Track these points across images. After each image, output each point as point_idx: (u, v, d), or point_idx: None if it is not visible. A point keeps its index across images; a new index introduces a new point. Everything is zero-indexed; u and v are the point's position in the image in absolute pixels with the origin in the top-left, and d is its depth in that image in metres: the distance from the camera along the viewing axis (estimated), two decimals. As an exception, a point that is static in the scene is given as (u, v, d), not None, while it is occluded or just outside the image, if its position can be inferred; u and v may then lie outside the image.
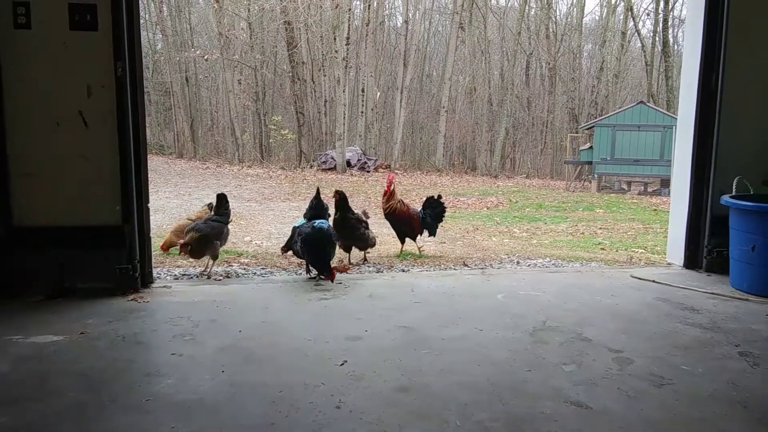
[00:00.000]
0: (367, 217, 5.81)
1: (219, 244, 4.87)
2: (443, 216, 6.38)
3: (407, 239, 6.18)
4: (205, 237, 4.69)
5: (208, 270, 4.88)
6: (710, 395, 2.71)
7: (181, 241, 4.65)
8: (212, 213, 5.11)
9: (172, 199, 11.87)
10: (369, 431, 2.31)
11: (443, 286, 4.54)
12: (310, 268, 4.74)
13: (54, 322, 3.51)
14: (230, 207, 5.37)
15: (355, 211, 5.66)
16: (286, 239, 5.82)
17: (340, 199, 5.46)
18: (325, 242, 4.60)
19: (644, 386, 2.78)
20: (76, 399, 2.56)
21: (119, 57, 3.97)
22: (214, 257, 4.87)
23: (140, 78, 4.13)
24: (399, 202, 6.21)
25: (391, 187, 6.26)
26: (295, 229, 5.11)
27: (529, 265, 5.77)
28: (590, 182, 20.70)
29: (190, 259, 4.88)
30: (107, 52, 3.96)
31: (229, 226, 5.06)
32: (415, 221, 6.16)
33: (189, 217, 5.25)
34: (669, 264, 5.35)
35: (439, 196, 6.44)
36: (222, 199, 5.08)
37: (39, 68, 3.94)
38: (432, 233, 6.27)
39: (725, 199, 4.56)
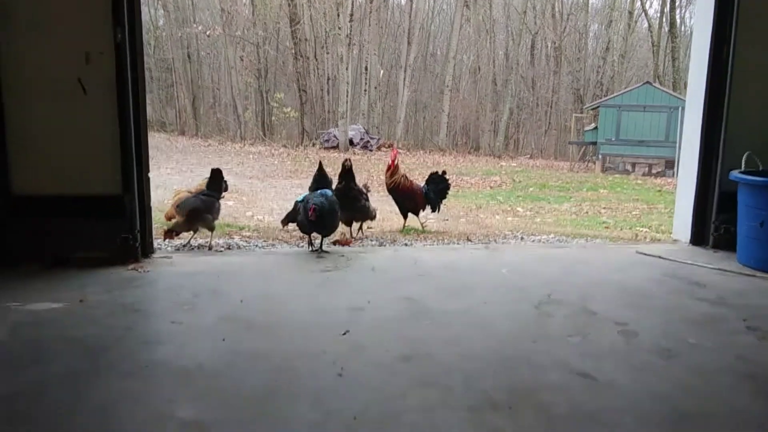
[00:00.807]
0: (368, 191, 5.77)
1: (211, 218, 4.81)
2: (447, 192, 6.34)
3: (410, 215, 6.13)
4: (196, 210, 4.62)
5: (210, 241, 4.85)
6: (718, 368, 2.67)
7: (175, 215, 4.60)
8: (196, 191, 5.02)
9: (174, 176, 11.81)
10: (371, 399, 2.27)
11: (447, 260, 4.49)
12: (313, 241, 4.69)
13: (53, 290, 3.48)
14: (227, 183, 5.32)
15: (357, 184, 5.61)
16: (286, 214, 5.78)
17: (348, 168, 5.40)
18: (333, 208, 4.58)
19: (651, 359, 2.74)
20: (74, 365, 2.52)
21: (119, 23, 3.89)
22: (211, 229, 4.83)
23: (140, 44, 4.05)
24: (403, 176, 6.15)
25: (395, 162, 6.20)
26: (297, 203, 5.05)
27: (533, 241, 5.72)
28: (594, 163, 20.59)
29: (183, 234, 4.83)
30: (106, 17, 3.87)
31: (231, 202, 5.00)
32: (419, 196, 6.11)
33: (189, 189, 5.19)
34: (675, 240, 5.30)
35: (444, 173, 6.38)
36: (217, 174, 4.99)
37: (36, 35, 3.85)
38: (434, 209, 6.23)
39: (734, 174, 4.49)
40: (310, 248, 4.70)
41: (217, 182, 4.97)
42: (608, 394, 2.39)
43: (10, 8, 3.81)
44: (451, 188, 6.57)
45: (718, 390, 2.47)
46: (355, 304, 3.36)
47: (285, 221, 5.40)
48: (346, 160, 5.57)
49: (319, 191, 4.69)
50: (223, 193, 5.36)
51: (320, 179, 5.06)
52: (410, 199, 6.10)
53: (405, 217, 6.12)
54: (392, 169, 6.14)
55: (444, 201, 6.39)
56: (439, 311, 3.29)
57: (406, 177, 6.21)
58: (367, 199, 5.52)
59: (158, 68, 28.66)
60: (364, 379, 2.44)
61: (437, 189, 6.22)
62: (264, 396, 2.29)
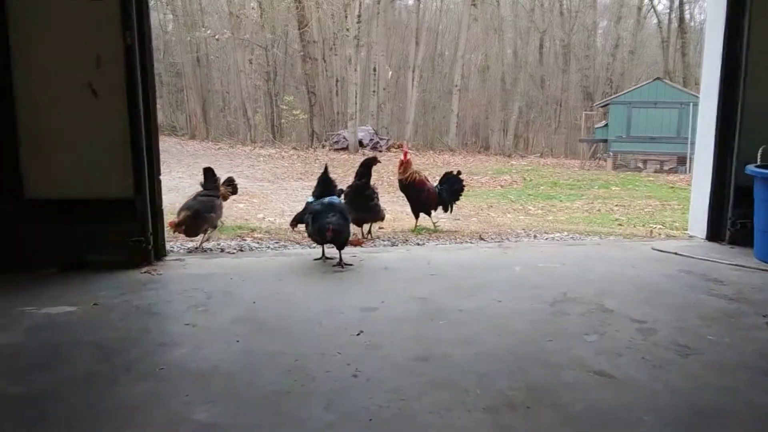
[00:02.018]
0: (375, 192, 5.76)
1: (215, 217, 4.82)
2: (460, 194, 6.29)
3: (422, 214, 6.10)
4: (197, 213, 4.62)
5: (207, 237, 4.89)
6: (737, 365, 2.63)
7: (175, 220, 4.57)
8: (201, 189, 5.01)
9: (185, 179, 11.84)
10: (387, 400, 2.26)
11: (460, 259, 4.47)
12: (326, 252, 4.41)
13: (67, 293, 3.49)
14: (236, 185, 5.38)
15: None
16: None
17: (369, 165, 5.35)
18: (346, 218, 4.36)
19: (669, 356, 2.70)
20: (90, 368, 2.52)
21: (128, 26, 3.90)
22: (214, 227, 4.84)
23: (149, 47, 4.06)
24: (416, 172, 6.12)
25: (408, 156, 6.18)
26: (308, 204, 5.01)
27: (546, 238, 5.68)
28: (605, 160, 20.48)
29: (188, 238, 4.82)
30: (116, 21, 3.88)
31: (242, 204, 5.00)
32: (432, 193, 6.08)
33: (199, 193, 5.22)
34: (691, 237, 5.24)
35: (459, 173, 6.33)
36: (209, 172, 5.00)
37: (48, 39, 3.87)
38: (447, 209, 6.19)
39: (750, 168, 4.43)
40: (324, 259, 4.36)
41: (211, 180, 4.98)
42: (626, 392, 2.36)
43: (22, 13, 3.82)
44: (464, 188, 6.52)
45: (737, 387, 2.43)
46: (369, 304, 3.34)
47: (294, 223, 5.39)
48: (373, 157, 5.52)
49: (327, 200, 4.38)
50: (231, 197, 5.37)
51: (325, 183, 4.79)
52: (424, 194, 6.04)
53: (416, 216, 6.10)
54: (405, 164, 6.11)
55: (456, 202, 6.34)
56: (454, 311, 3.26)
57: (419, 173, 6.18)
58: (378, 199, 5.50)
59: (168, 73, 28.81)
60: (380, 379, 2.42)
61: (451, 189, 6.19)
62: (279, 397, 2.27)
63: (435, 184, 6.27)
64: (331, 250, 4.35)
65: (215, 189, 4.98)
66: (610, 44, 30.83)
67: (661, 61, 29.79)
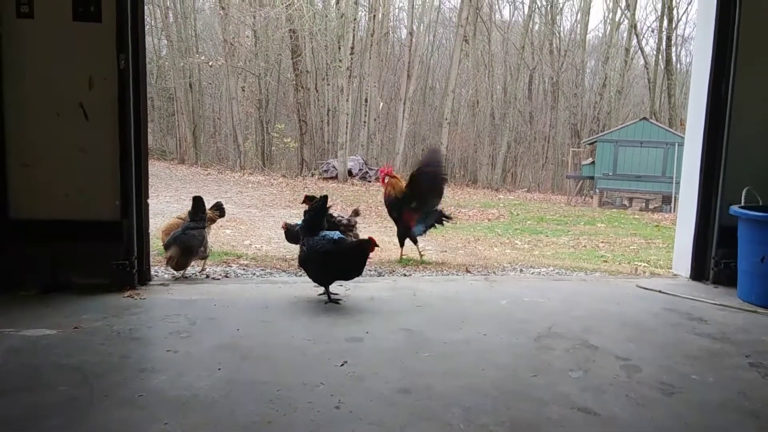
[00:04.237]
0: (357, 215, 5.72)
1: (204, 250, 4.72)
2: (441, 222, 6.25)
3: (406, 242, 6.08)
4: (188, 250, 4.52)
5: (202, 268, 4.82)
6: (721, 404, 2.62)
7: (168, 254, 4.47)
8: (188, 219, 4.88)
9: (173, 204, 11.79)
10: (370, 432, 2.22)
11: (446, 291, 4.45)
12: (330, 292, 4.06)
13: (48, 316, 3.43)
14: (224, 209, 5.28)
15: (336, 214, 5.42)
16: (286, 244, 5.74)
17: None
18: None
19: (653, 394, 2.69)
20: (68, 392, 2.47)
21: (122, 49, 3.91)
22: (204, 258, 4.78)
23: (143, 71, 4.08)
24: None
25: (392, 171, 6.22)
26: (301, 230, 4.79)
27: (532, 273, 5.69)
28: (592, 197, 20.68)
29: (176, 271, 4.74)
30: (110, 44, 3.90)
31: (229, 230, 4.94)
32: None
33: (180, 215, 5.17)
34: (675, 275, 5.27)
35: (448, 218, 6.28)
36: (198, 202, 4.80)
37: (40, 59, 3.88)
38: (425, 229, 6.10)
39: (734, 209, 4.48)
40: (327, 299, 4.04)
41: (200, 210, 4.86)
42: (611, 430, 2.34)
43: (17, 31, 3.83)
44: (448, 220, 6.45)
45: (721, 427, 2.42)
46: (354, 335, 3.31)
47: (286, 226, 5.34)
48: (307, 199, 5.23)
49: (335, 236, 4.05)
50: (218, 220, 5.32)
51: (315, 218, 4.22)
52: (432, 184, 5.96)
53: (402, 244, 6.08)
54: (391, 179, 6.09)
55: (435, 229, 6.25)
56: (439, 343, 3.24)
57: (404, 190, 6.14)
58: (353, 228, 5.42)
59: (160, 97, 28.93)
60: (363, 411, 2.39)
61: (431, 220, 6.15)
62: (259, 427, 2.24)
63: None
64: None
65: (203, 220, 4.85)
66: (597, 83, 31.37)
67: (647, 101, 30.33)
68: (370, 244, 3.90)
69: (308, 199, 5.17)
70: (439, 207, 6.19)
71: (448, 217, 6.29)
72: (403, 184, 6.12)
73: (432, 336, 3.35)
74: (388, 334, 3.36)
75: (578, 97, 30.78)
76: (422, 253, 6.17)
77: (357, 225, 5.63)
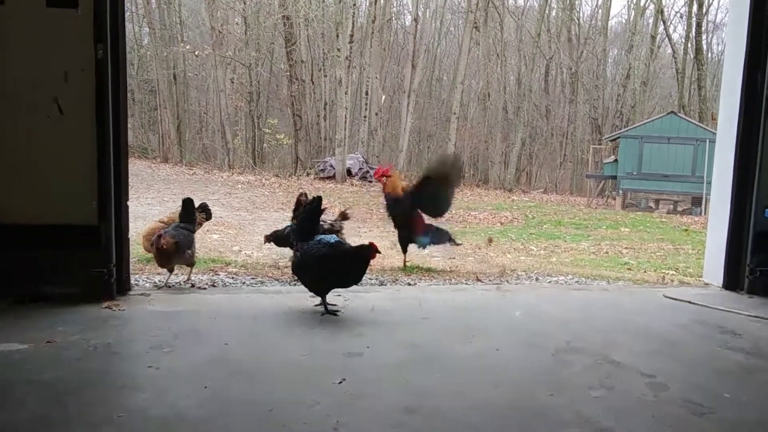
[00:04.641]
0: (345, 218, 5.72)
1: (191, 253, 4.76)
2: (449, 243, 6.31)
3: (409, 251, 6.09)
4: (177, 244, 4.56)
5: (188, 278, 4.83)
6: (756, 425, 2.62)
7: (165, 240, 4.50)
8: (170, 220, 4.96)
9: (155, 206, 11.82)
10: (370, 455, 2.23)
11: (454, 301, 4.46)
12: (327, 303, 4.05)
13: (20, 329, 3.44)
14: (211, 212, 5.36)
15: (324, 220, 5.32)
16: (279, 250, 5.76)
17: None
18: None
19: (682, 414, 2.69)
20: (42, 412, 2.47)
21: (100, 38, 3.93)
22: (191, 264, 4.80)
23: (123, 62, 4.09)
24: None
25: (389, 171, 6.24)
26: (292, 230, 4.83)
27: (549, 281, 5.70)
28: (614, 199, 20.69)
29: (160, 269, 4.78)
30: (87, 32, 3.91)
31: (216, 235, 4.96)
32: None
33: (162, 219, 5.20)
34: (706, 284, 5.27)
35: (455, 243, 6.38)
36: (189, 204, 4.91)
37: (11, 49, 3.88)
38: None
39: (770, 211, 4.48)
40: (324, 310, 4.01)
41: (190, 213, 4.91)
42: (635, 454, 2.34)
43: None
44: (458, 225, 6.54)
45: (758, 450, 2.42)
46: (353, 349, 3.32)
47: (269, 238, 5.36)
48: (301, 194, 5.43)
49: (331, 239, 4.05)
50: (204, 223, 5.35)
51: (309, 220, 4.23)
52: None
53: (405, 250, 6.08)
54: (389, 179, 6.10)
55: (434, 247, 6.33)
56: (447, 358, 3.25)
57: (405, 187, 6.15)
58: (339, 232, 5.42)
59: (141, 90, 29.01)
60: (363, 432, 2.40)
61: (439, 239, 6.18)
62: (251, 450, 2.24)
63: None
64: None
65: (192, 223, 4.93)
66: (620, 74, 31.43)
67: (675, 93, 30.38)
68: (371, 251, 3.91)
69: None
70: (446, 227, 6.23)
71: (456, 243, 6.34)
72: (401, 183, 6.13)
73: (439, 350, 3.36)
74: (391, 348, 3.37)
75: (599, 89, 30.83)
76: (407, 261, 6.15)
77: (342, 230, 5.56)
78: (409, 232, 6.05)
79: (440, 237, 6.16)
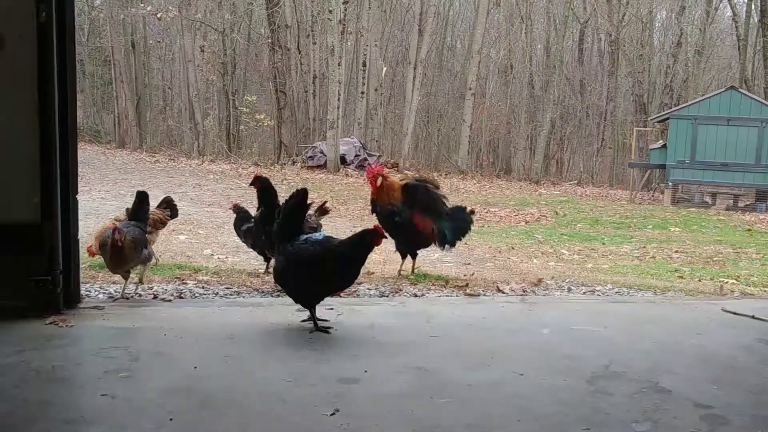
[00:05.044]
0: (324, 213, 5.73)
1: (148, 254, 4.79)
2: (463, 235, 6.31)
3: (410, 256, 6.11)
4: (135, 241, 4.57)
5: (140, 278, 4.89)
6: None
7: (118, 237, 4.49)
8: (126, 219, 4.92)
9: (109, 200, 11.85)
10: (369, 503, 2.23)
11: (470, 317, 4.46)
12: (316, 317, 4.07)
13: (-55, 349, 3.44)
14: (177, 209, 5.40)
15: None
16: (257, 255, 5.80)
17: (263, 188, 5.29)
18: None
19: (745, 454, 2.69)
20: (-30, 451, 2.48)
21: (43, -2, 3.93)
22: (145, 262, 4.83)
23: (71, 26, 4.09)
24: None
25: (384, 170, 6.22)
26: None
27: (584, 292, 5.71)
28: (662, 192, 20.70)
29: (113, 274, 4.80)
30: (27, -9, 3.91)
31: (183, 236, 4.96)
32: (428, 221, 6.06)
33: (117, 217, 5.21)
34: (773, 296, 5.27)
35: (472, 212, 6.32)
36: (144, 199, 4.92)
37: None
38: (443, 245, 6.16)
39: None
40: (314, 326, 4.02)
41: (144, 210, 4.90)
42: (688, 502, 2.34)
43: None
44: (475, 223, 6.52)
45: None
46: (348, 375, 3.32)
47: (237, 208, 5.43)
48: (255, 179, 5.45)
49: (314, 238, 4.05)
50: (168, 222, 5.36)
51: (292, 217, 4.20)
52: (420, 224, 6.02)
53: (404, 256, 6.07)
54: (384, 182, 6.07)
55: (462, 240, 6.37)
56: (460, 386, 3.25)
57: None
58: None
59: (93, 60, 29.05)
60: (360, 475, 2.40)
61: (455, 227, 6.18)
62: (224, 497, 2.24)
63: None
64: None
65: (145, 221, 4.93)
66: (670, 41, 31.41)
67: (736, 64, 30.32)
68: (375, 236, 3.92)
69: (258, 182, 5.30)
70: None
71: (472, 214, 6.34)
72: (398, 186, 6.10)
73: (452, 377, 3.35)
74: (394, 373, 3.36)
75: (645, 59, 30.81)
76: (416, 268, 6.16)
77: (320, 228, 5.49)
78: (422, 239, 6.06)
79: (459, 218, 6.20)
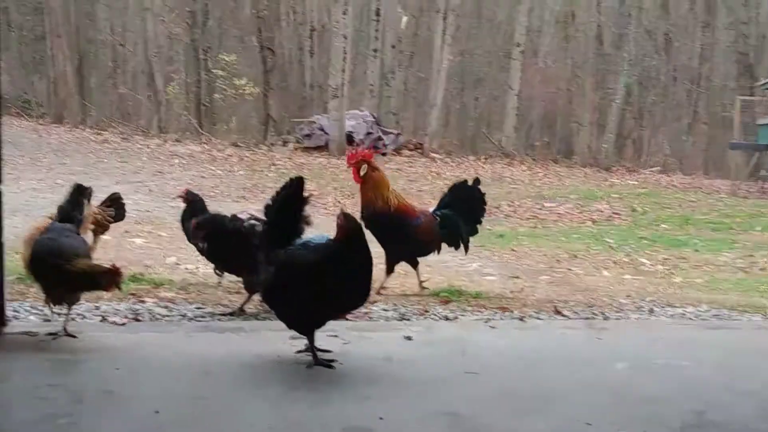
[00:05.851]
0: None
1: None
2: (481, 219, 6.32)
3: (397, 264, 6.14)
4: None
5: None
6: None
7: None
8: (55, 218, 4.89)
9: (44, 192, 11.89)
10: None
11: (519, 347, 4.48)
12: (315, 347, 4.08)
13: None
14: (125, 209, 5.42)
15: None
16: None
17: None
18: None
19: None
20: None
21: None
22: None
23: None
24: (394, 194, 6.14)
25: (371, 156, 6.27)
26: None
27: (670, 315, 5.71)
28: (775, 182, 20.58)
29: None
30: None
31: (140, 240, 4.97)
32: (423, 231, 6.09)
33: (51, 215, 5.23)
34: None
35: (476, 181, 6.33)
36: (77, 192, 4.92)
37: None
38: (457, 246, 6.18)
39: None
40: (313, 359, 4.04)
41: (76, 205, 4.89)
42: None
43: None
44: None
45: None
46: (357, 422, 3.33)
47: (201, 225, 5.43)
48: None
49: (315, 243, 4.11)
50: (111, 225, 5.37)
51: (285, 217, 4.28)
52: (414, 229, 6.10)
53: (415, 264, 6.11)
54: (369, 171, 6.11)
55: (475, 236, 6.41)
56: (506, 437, 3.26)
57: (399, 196, 6.19)
58: None
59: (20, 10, 29.13)
60: None
61: (465, 212, 6.19)
62: None
63: (431, 208, 6.31)
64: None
65: (79, 221, 4.90)
66: (786, -18, 31.18)
67: None
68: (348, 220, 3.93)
69: (188, 197, 5.51)
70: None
71: (478, 182, 6.44)
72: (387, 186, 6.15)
73: (495, 426, 3.37)
74: (417, 421, 3.38)
75: (750, 7, 30.62)
76: (423, 281, 6.17)
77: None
78: (423, 244, 6.11)
79: (472, 204, 6.28)
